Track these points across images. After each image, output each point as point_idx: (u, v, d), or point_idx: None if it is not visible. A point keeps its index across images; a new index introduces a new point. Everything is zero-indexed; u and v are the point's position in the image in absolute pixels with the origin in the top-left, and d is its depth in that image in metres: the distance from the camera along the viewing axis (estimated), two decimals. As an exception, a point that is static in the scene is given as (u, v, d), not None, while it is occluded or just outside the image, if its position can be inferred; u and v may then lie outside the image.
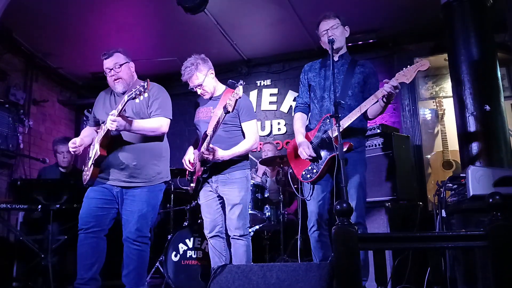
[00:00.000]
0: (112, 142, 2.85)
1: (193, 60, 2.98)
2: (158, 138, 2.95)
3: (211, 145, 2.77)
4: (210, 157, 2.79)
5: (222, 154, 2.83)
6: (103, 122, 2.92)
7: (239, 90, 2.56)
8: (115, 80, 2.90)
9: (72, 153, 2.97)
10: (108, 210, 2.87)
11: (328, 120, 2.67)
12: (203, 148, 2.81)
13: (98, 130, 2.93)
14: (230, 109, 2.57)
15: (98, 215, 2.83)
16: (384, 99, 2.52)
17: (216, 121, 2.76)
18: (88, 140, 3.03)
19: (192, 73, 2.95)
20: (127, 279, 2.79)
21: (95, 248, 2.81)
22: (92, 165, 2.83)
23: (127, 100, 2.60)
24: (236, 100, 2.57)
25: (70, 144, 2.92)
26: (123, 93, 2.89)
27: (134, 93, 2.56)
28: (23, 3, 4.23)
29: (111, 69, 2.90)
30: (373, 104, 2.55)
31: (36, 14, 4.51)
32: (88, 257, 2.79)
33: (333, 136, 2.57)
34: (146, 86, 2.55)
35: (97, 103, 3.10)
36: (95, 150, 2.84)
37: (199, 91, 3.04)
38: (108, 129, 2.74)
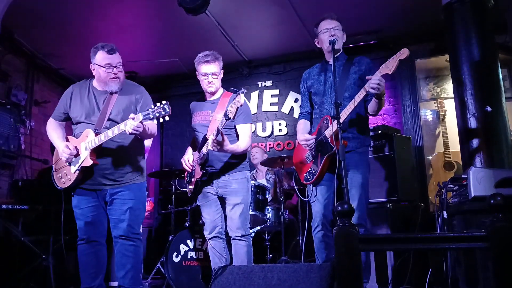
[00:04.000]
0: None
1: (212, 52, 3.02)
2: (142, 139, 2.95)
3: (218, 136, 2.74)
4: (219, 146, 2.73)
5: (229, 145, 2.80)
6: (78, 123, 2.81)
7: (241, 98, 2.56)
8: (114, 78, 2.79)
9: (65, 161, 2.77)
10: (104, 215, 2.84)
11: (325, 121, 2.69)
12: (210, 143, 2.75)
13: (87, 134, 2.72)
14: (231, 116, 2.58)
15: (96, 223, 2.80)
16: (374, 93, 2.50)
17: (216, 126, 2.76)
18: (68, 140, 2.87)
19: (214, 59, 2.97)
20: (125, 280, 2.73)
21: (97, 256, 2.79)
22: (77, 171, 2.71)
23: (143, 119, 2.53)
24: (238, 108, 2.58)
25: (66, 152, 2.71)
26: (115, 93, 2.81)
27: (152, 114, 2.49)
28: (24, 4, 4.23)
29: (113, 67, 2.78)
30: (363, 96, 2.54)
31: (37, 15, 4.52)
32: (92, 267, 2.77)
33: (329, 136, 2.58)
34: (167, 110, 2.47)
35: (70, 99, 2.88)
36: (84, 158, 2.69)
37: (210, 79, 2.97)
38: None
